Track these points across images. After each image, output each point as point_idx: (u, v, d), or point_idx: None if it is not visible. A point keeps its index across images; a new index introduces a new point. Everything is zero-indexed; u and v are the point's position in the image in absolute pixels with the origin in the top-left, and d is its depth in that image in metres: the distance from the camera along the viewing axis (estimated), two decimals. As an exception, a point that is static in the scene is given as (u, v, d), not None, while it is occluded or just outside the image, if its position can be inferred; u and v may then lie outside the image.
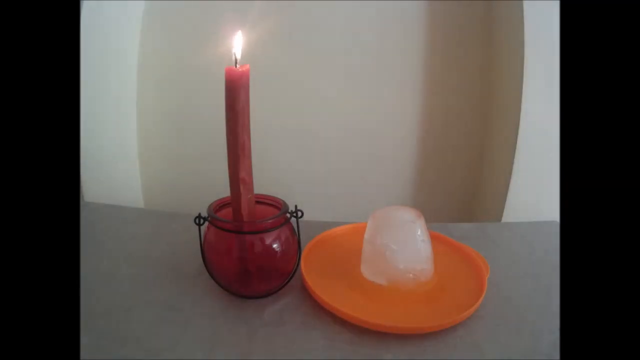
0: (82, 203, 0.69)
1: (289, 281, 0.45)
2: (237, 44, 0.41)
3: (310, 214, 0.46)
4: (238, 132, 0.40)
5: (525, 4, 0.62)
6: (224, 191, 0.44)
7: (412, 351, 0.37)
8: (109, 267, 0.49)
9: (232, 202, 0.42)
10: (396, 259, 0.44)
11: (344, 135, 0.81)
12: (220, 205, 0.45)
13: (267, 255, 0.43)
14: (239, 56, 0.41)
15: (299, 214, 0.43)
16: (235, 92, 0.39)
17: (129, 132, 0.78)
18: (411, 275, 0.45)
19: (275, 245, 0.42)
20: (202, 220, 0.42)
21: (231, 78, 0.39)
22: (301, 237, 0.45)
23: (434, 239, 0.53)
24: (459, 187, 0.83)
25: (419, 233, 0.45)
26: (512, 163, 0.66)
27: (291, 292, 0.45)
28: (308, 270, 0.46)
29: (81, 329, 0.38)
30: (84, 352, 0.35)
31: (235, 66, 0.40)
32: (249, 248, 0.42)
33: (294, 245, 0.44)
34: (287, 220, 0.43)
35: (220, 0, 0.74)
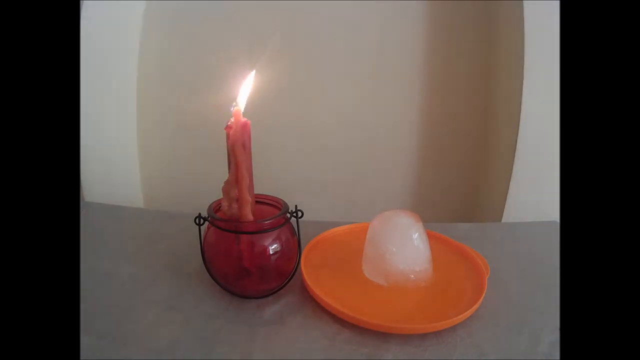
0: (82, 203, 0.69)
1: (289, 281, 0.45)
2: (242, 94, 0.41)
3: (310, 214, 0.46)
4: (239, 135, 0.40)
5: (525, 4, 0.62)
6: (224, 191, 0.44)
7: (412, 351, 0.37)
8: (109, 267, 0.49)
9: (232, 202, 0.42)
10: (396, 261, 0.45)
11: (345, 136, 0.81)
12: (220, 205, 0.45)
13: (267, 256, 0.43)
14: (241, 107, 0.41)
15: (299, 214, 0.43)
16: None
17: (129, 132, 0.78)
18: (411, 275, 0.45)
19: (275, 246, 0.42)
20: (202, 220, 0.42)
21: (232, 134, 0.40)
22: (301, 237, 0.45)
23: (434, 239, 0.53)
24: (459, 187, 0.83)
25: (417, 236, 0.46)
26: (512, 163, 0.66)
27: (291, 292, 0.45)
28: (308, 270, 0.46)
29: (81, 329, 0.38)
30: (84, 352, 0.35)
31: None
32: (249, 248, 0.42)
33: (294, 245, 0.44)
34: (287, 221, 0.44)
35: (221, 0, 0.75)
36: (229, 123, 0.40)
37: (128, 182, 0.80)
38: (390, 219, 0.47)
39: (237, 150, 0.40)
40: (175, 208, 0.76)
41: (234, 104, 0.40)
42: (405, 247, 0.45)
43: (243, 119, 0.40)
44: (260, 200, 0.46)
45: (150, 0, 0.75)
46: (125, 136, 0.78)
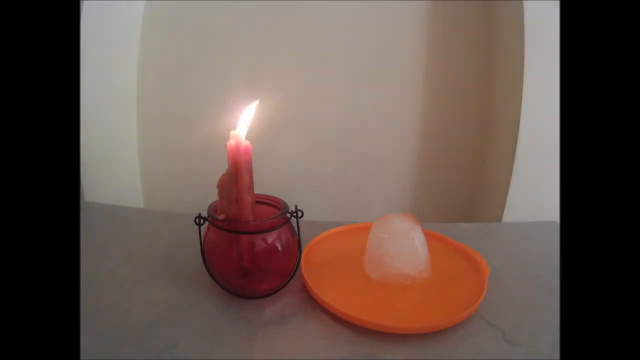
0: (82, 203, 0.69)
1: (289, 281, 0.45)
2: (243, 123, 0.42)
3: (310, 214, 0.46)
4: (239, 138, 0.40)
5: (525, 4, 0.62)
6: (224, 191, 0.44)
7: (412, 351, 0.37)
8: (109, 267, 0.49)
9: (232, 202, 0.42)
10: (396, 261, 0.45)
11: (345, 136, 0.81)
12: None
13: (267, 256, 0.43)
14: (241, 134, 0.41)
15: (299, 214, 0.43)
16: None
17: (129, 132, 0.78)
18: (411, 276, 0.45)
19: (275, 246, 0.42)
20: (202, 220, 0.42)
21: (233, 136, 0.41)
22: (301, 237, 0.45)
23: (435, 239, 0.53)
24: (460, 187, 0.83)
25: (415, 238, 0.46)
26: (512, 163, 0.66)
27: (291, 292, 0.45)
28: (308, 270, 0.46)
29: (81, 329, 0.38)
30: (84, 352, 0.35)
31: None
32: (249, 248, 0.42)
33: (294, 245, 0.44)
34: (287, 221, 0.44)
35: (220, 0, 0.75)
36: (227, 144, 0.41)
37: (128, 182, 0.80)
38: (390, 222, 0.48)
39: (238, 150, 0.40)
40: (175, 208, 0.75)
41: (233, 133, 0.41)
42: (404, 249, 0.46)
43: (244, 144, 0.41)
44: (260, 200, 0.46)
45: (150, 0, 0.75)
46: (125, 136, 0.78)
